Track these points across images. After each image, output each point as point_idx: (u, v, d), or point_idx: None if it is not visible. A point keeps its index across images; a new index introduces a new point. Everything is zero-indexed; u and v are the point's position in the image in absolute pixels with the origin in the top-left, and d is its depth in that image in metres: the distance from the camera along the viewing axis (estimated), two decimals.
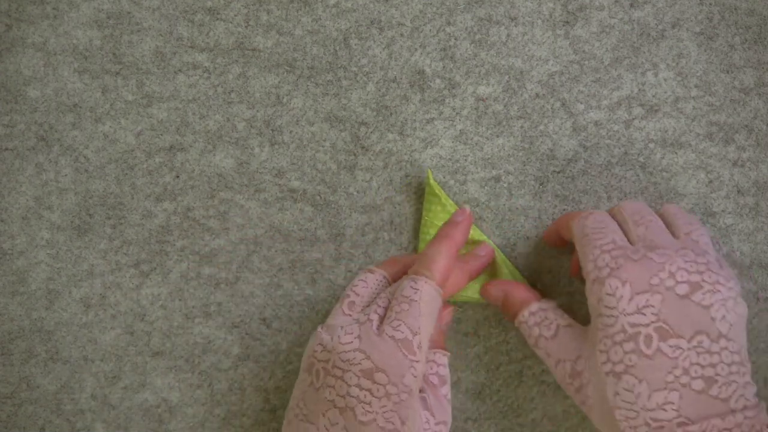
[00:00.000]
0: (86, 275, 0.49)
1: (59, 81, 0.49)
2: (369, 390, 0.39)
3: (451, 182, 0.49)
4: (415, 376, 0.40)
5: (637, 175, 0.49)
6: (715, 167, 0.49)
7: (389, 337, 0.40)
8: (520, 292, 0.46)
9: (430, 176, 0.48)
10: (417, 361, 0.40)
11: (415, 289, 0.41)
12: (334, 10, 0.49)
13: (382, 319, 0.41)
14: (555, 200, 0.49)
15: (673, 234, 0.42)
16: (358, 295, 0.43)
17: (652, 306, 0.38)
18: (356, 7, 0.49)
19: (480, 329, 0.49)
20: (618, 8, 0.50)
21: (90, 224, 0.49)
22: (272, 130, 0.49)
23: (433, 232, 0.48)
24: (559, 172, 0.49)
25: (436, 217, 0.48)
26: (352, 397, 0.39)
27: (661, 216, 0.44)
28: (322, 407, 0.40)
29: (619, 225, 0.43)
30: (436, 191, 0.48)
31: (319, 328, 0.42)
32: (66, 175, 0.49)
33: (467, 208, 0.46)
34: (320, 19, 0.49)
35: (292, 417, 0.41)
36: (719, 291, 0.39)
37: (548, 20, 0.49)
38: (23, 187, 0.49)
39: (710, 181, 0.49)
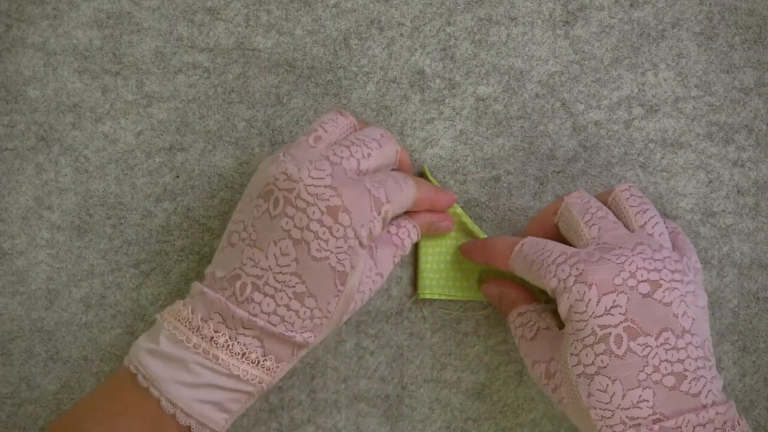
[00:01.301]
0: (86, 275, 0.49)
1: (59, 81, 0.49)
2: (329, 228, 0.39)
3: (451, 182, 0.49)
4: (371, 232, 0.41)
5: (637, 175, 0.49)
6: (715, 167, 0.49)
7: (366, 188, 0.40)
8: (513, 292, 0.46)
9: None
10: (377, 222, 0.41)
11: (406, 182, 0.43)
12: (334, 10, 0.49)
13: (355, 170, 0.41)
14: (555, 200, 0.49)
15: (627, 226, 0.42)
16: (326, 132, 0.43)
17: (620, 306, 0.38)
18: (356, 7, 0.49)
19: (480, 329, 0.49)
20: (618, 8, 0.50)
21: (90, 224, 0.49)
22: (272, 130, 0.49)
23: None
24: (559, 172, 0.49)
25: None
26: (311, 231, 0.39)
27: (611, 203, 0.44)
28: (274, 235, 0.40)
29: (567, 226, 0.43)
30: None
31: (280, 155, 0.41)
32: (66, 175, 0.49)
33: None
34: (320, 19, 0.49)
35: (237, 241, 0.41)
36: (677, 288, 0.39)
37: (548, 20, 0.49)
38: (23, 187, 0.49)
39: (710, 181, 0.49)
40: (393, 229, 0.44)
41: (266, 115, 0.49)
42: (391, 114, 0.49)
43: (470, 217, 0.49)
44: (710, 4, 0.50)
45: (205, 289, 0.40)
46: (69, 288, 0.48)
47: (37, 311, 0.48)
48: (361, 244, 0.40)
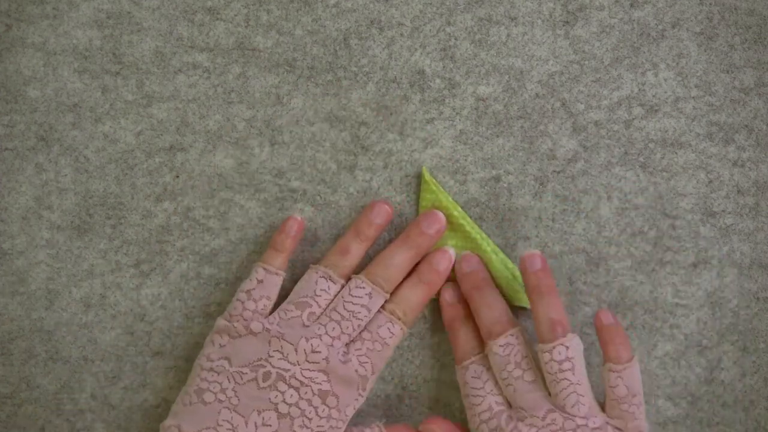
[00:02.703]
0: (86, 275, 0.49)
1: (59, 81, 0.49)
2: (316, 408, 0.42)
3: (451, 182, 0.49)
4: (355, 409, 0.43)
5: (637, 175, 0.49)
6: (715, 167, 0.49)
7: (354, 370, 0.43)
8: None
9: (426, 173, 0.48)
10: (362, 398, 0.44)
11: (392, 333, 0.44)
12: (334, 10, 0.49)
13: (345, 345, 0.43)
14: (555, 200, 0.49)
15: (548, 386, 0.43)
16: (320, 306, 0.44)
17: None
18: (356, 7, 0.49)
19: None
20: (618, 8, 0.50)
21: (90, 224, 0.49)
22: (272, 130, 0.49)
23: None
24: (559, 172, 0.49)
25: None
26: (299, 408, 0.41)
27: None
28: (259, 405, 0.41)
29: (493, 367, 0.44)
30: (433, 187, 0.48)
31: (270, 327, 0.43)
32: (66, 175, 0.49)
33: (451, 252, 0.47)
34: (320, 19, 0.49)
35: (212, 400, 0.42)
36: None
37: (548, 20, 0.49)
38: (23, 187, 0.49)
39: (710, 181, 0.49)
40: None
41: (266, 115, 0.49)
42: (391, 114, 0.49)
43: (470, 218, 0.49)
44: (710, 4, 0.50)
45: None
46: (69, 288, 0.48)
47: (37, 311, 0.48)
48: (345, 422, 0.43)
